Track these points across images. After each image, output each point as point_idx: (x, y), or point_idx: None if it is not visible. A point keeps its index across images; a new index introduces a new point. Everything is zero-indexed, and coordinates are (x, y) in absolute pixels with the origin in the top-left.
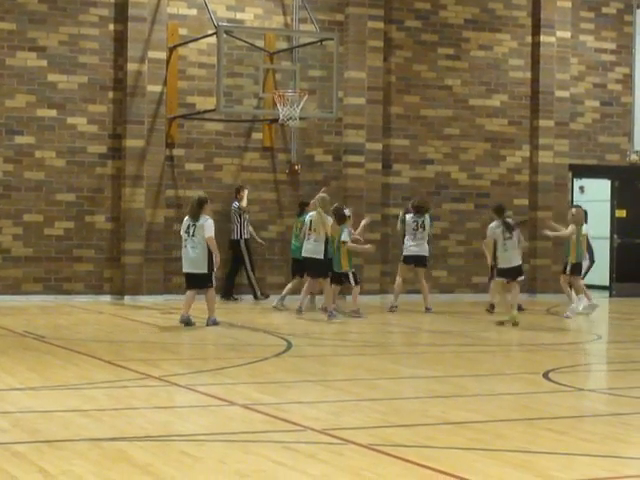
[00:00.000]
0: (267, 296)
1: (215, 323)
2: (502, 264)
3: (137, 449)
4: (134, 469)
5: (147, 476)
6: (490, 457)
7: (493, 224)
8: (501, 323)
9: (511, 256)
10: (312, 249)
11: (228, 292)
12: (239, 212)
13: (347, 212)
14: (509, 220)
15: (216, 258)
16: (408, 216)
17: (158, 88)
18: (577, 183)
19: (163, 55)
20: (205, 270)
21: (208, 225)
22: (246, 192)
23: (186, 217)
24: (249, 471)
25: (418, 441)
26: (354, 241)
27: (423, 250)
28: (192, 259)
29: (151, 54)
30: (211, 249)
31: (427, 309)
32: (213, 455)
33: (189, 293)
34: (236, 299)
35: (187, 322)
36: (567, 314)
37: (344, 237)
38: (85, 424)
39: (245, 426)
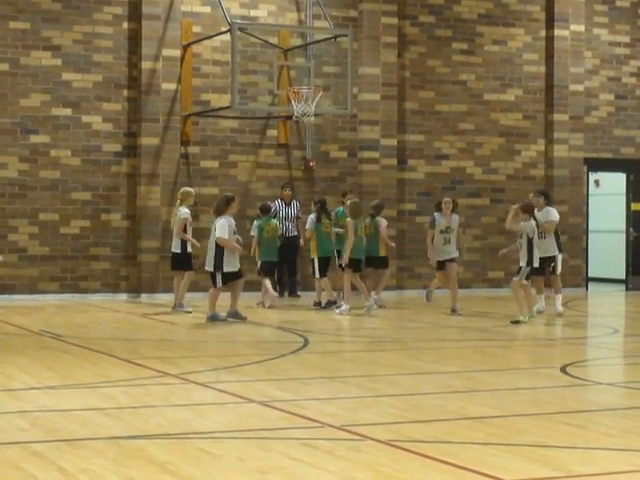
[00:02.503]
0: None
1: (213, 319)
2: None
3: (155, 447)
4: (153, 467)
5: (166, 474)
6: (508, 452)
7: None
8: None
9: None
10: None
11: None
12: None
13: (272, 205)
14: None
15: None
16: (437, 215)
17: (173, 86)
18: (592, 177)
19: (177, 53)
20: (211, 269)
21: (220, 225)
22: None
23: None
24: (268, 468)
25: (437, 436)
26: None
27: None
28: (207, 257)
29: (165, 52)
30: (226, 247)
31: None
32: (232, 452)
33: (210, 291)
34: (298, 296)
35: (214, 318)
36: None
37: (309, 225)
38: (103, 422)
39: (263, 423)
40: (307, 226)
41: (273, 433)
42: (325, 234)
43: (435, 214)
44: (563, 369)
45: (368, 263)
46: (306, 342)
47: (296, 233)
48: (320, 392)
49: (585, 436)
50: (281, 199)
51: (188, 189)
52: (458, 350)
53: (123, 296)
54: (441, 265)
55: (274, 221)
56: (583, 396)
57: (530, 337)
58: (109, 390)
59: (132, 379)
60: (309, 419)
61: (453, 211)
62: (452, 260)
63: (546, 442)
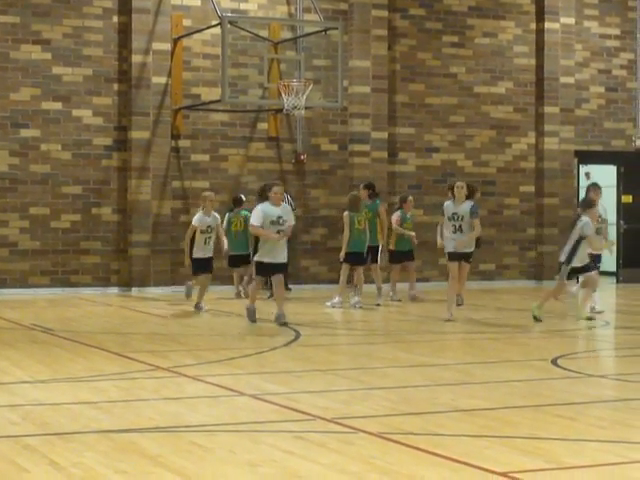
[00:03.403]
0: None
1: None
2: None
3: (147, 440)
4: (144, 460)
5: (157, 467)
6: (500, 444)
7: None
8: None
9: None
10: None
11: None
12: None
13: (243, 197)
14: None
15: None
16: (448, 201)
17: (163, 79)
18: (583, 169)
19: (167, 46)
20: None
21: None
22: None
23: None
24: (259, 461)
25: (428, 429)
26: None
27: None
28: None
29: (155, 46)
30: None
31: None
32: (223, 445)
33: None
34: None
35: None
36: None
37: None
38: (95, 416)
39: (255, 416)
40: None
41: (264, 426)
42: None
43: (446, 202)
44: (554, 361)
45: (399, 257)
46: (298, 335)
47: None
48: (312, 385)
49: (576, 428)
50: None
51: (205, 194)
52: (449, 343)
53: (114, 290)
54: (454, 257)
55: (244, 213)
56: (574, 388)
57: (521, 329)
58: (100, 384)
59: (123, 372)
60: (301, 412)
61: (469, 197)
62: (466, 257)
63: (537, 434)
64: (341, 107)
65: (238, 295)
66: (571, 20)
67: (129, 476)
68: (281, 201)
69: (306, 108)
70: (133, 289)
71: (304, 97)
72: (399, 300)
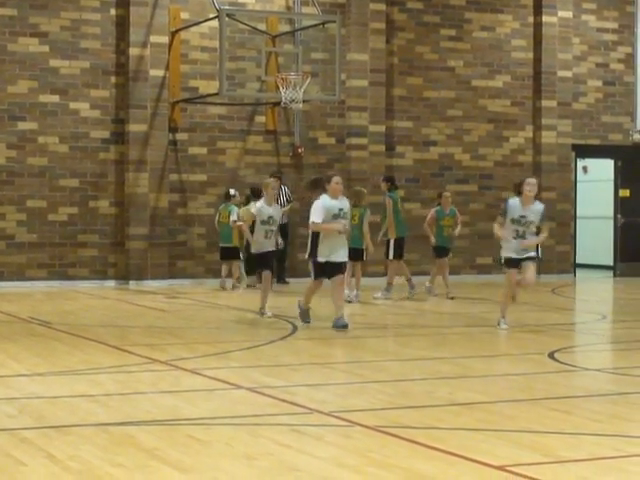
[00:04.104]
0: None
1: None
2: None
3: (144, 433)
4: (141, 453)
5: (154, 460)
6: (497, 437)
7: None
8: None
9: None
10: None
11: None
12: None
13: (232, 192)
14: None
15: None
16: (512, 200)
17: (160, 72)
18: (580, 163)
19: (165, 39)
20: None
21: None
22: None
23: None
24: (257, 454)
25: (425, 422)
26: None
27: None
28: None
29: (153, 38)
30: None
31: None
32: (220, 439)
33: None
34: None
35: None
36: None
37: (233, 217)
38: (92, 409)
39: (252, 409)
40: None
41: (262, 419)
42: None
43: (510, 198)
44: (551, 355)
45: (442, 251)
46: (295, 328)
47: (286, 221)
48: (309, 378)
49: (573, 422)
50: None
51: (267, 180)
52: (447, 336)
53: (111, 283)
54: (514, 263)
55: (231, 207)
56: (571, 382)
57: (518, 323)
58: (97, 377)
59: (121, 366)
60: (298, 405)
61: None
62: (532, 259)
63: (534, 428)
64: (339, 100)
65: (223, 288)
66: (569, 14)
67: (126, 469)
68: (341, 192)
69: (304, 101)
70: (130, 282)
71: (302, 90)
72: (436, 295)
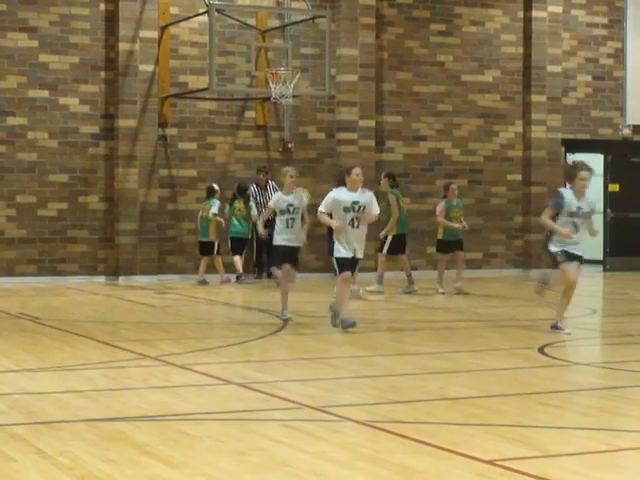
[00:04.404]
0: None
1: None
2: None
3: (134, 429)
4: (132, 449)
5: (145, 456)
6: (487, 432)
7: None
8: None
9: None
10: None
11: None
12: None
13: (216, 187)
14: None
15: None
16: (566, 191)
17: (150, 67)
18: (570, 158)
19: (155, 34)
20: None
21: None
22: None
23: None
24: (247, 449)
25: (415, 417)
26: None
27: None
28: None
29: (143, 33)
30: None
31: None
32: (211, 434)
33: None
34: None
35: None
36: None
37: (213, 210)
38: (82, 405)
39: (242, 404)
40: (212, 211)
41: (252, 414)
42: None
43: (562, 190)
44: (541, 350)
45: (447, 246)
46: (285, 323)
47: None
48: (299, 373)
49: (563, 416)
50: (256, 184)
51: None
52: (437, 331)
53: (101, 279)
54: (571, 257)
55: (213, 201)
56: (561, 376)
57: (508, 318)
58: (87, 372)
59: (110, 361)
60: (288, 400)
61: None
62: (580, 259)
63: (524, 422)
64: (328, 95)
65: (201, 282)
66: (559, 9)
67: (116, 465)
68: (360, 184)
69: (294, 96)
70: (120, 278)
71: (292, 85)
72: (443, 293)
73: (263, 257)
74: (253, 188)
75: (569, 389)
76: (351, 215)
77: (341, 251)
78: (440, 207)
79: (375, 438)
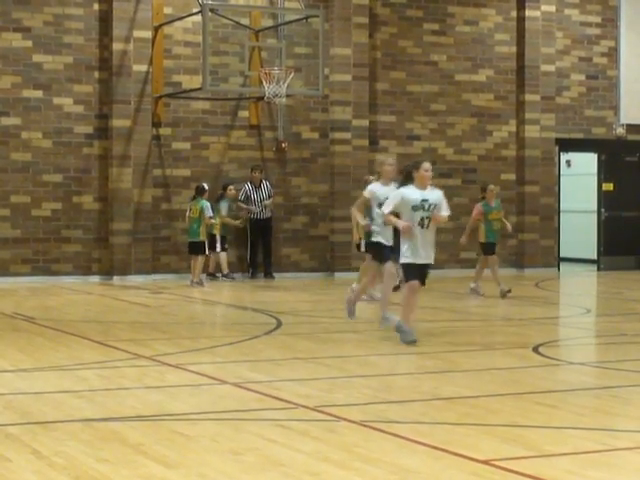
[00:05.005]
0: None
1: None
2: None
3: (129, 429)
4: (126, 449)
5: (140, 455)
6: (482, 432)
7: None
8: None
9: None
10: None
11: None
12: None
13: (206, 186)
14: None
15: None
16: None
17: (144, 67)
18: (564, 157)
19: (148, 34)
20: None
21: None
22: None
23: None
24: (242, 449)
25: (410, 417)
26: None
27: None
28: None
29: (136, 33)
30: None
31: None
32: (205, 434)
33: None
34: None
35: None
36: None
37: (209, 214)
38: (77, 405)
39: (237, 404)
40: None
41: (247, 414)
42: None
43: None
44: (535, 349)
45: (491, 248)
46: (279, 323)
47: (270, 215)
48: (293, 373)
49: (557, 416)
50: (251, 182)
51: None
52: (431, 331)
53: (95, 278)
54: None
55: (202, 203)
56: (555, 376)
57: (502, 317)
58: (82, 372)
59: (105, 361)
60: (283, 400)
61: None
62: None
63: (519, 422)
64: (322, 95)
65: (198, 284)
66: (552, 8)
67: (111, 465)
68: (429, 181)
69: (287, 96)
70: (114, 277)
71: (285, 85)
72: (483, 295)
73: (258, 256)
74: (247, 186)
75: (564, 389)
76: (420, 214)
77: (409, 256)
78: (476, 209)
79: (370, 438)
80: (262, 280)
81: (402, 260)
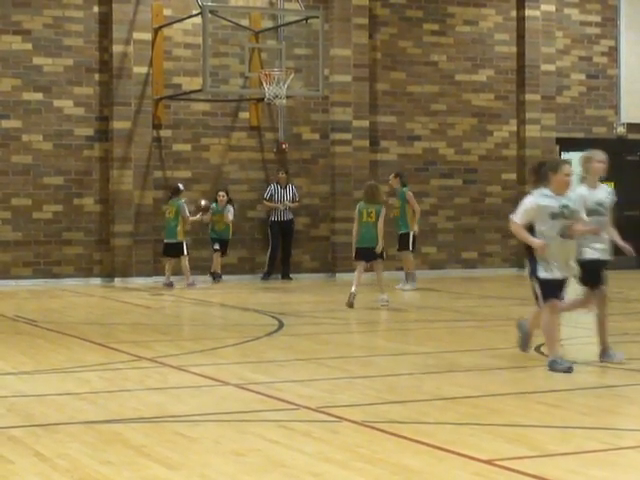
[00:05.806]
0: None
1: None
2: None
3: (131, 431)
4: (129, 451)
5: (142, 457)
6: (484, 431)
7: None
8: None
9: None
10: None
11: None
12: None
13: (181, 186)
14: None
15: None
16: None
17: (144, 69)
18: (564, 156)
19: (148, 36)
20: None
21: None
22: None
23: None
24: (244, 450)
25: (412, 417)
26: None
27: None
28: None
29: (136, 35)
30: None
31: None
32: (208, 435)
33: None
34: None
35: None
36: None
37: (184, 213)
38: (79, 407)
39: (239, 406)
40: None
41: (249, 415)
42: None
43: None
44: (537, 349)
45: None
46: (281, 324)
47: (292, 216)
48: (295, 374)
49: (560, 415)
50: (277, 182)
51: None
52: (433, 331)
53: (97, 281)
54: None
55: (179, 203)
56: (558, 375)
57: (504, 317)
58: (84, 374)
59: (107, 363)
60: (285, 401)
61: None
62: None
63: (521, 421)
64: (322, 96)
65: (168, 285)
66: (552, 7)
67: (114, 467)
68: (568, 187)
69: (287, 97)
70: (116, 279)
71: (285, 86)
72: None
73: (277, 259)
74: (273, 186)
75: (566, 388)
76: (561, 223)
77: (549, 270)
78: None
79: (372, 438)
80: (280, 282)
81: (541, 275)
